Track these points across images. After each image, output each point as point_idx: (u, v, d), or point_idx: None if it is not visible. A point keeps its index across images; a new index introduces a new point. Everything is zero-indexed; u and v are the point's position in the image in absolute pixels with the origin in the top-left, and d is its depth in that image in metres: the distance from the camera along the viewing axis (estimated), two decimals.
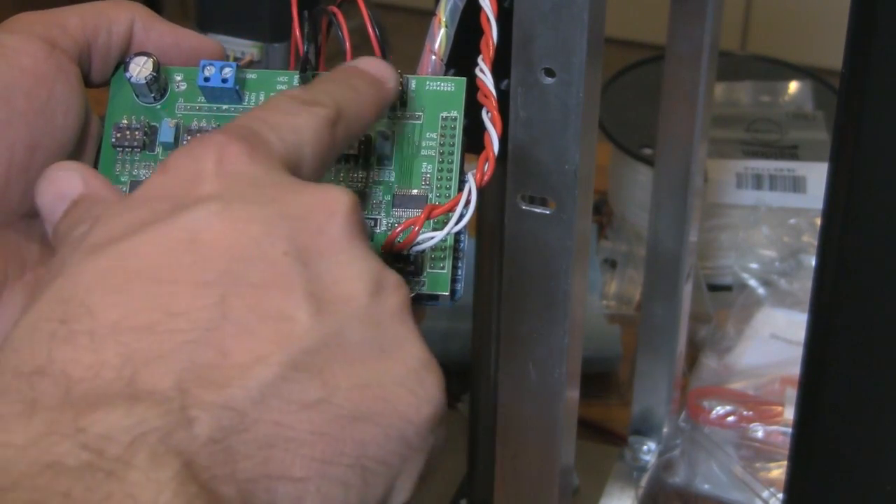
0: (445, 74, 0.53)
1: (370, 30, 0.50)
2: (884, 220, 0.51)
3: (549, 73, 0.53)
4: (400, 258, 0.48)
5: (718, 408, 0.92)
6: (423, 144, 0.51)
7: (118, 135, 0.52)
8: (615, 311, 1.04)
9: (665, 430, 0.89)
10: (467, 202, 0.47)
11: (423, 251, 0.48)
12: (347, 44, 0.50)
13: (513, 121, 0.56)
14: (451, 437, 1.02)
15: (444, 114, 0.51)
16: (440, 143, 0.51)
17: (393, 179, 0.51)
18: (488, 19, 0.49)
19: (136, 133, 0.51)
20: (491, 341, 0.82)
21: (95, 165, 0.52)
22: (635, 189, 1.05)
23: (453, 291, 0.50)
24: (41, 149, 0.48)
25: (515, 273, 0.59)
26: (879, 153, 0.50)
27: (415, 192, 0.50)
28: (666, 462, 0.89)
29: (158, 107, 0.52)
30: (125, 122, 0.52)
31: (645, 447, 0.90)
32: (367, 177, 0.51)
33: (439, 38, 0.52)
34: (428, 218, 0.47)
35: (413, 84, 0.51)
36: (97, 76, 0.52)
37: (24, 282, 0.48)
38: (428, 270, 0.50)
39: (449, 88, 0.51)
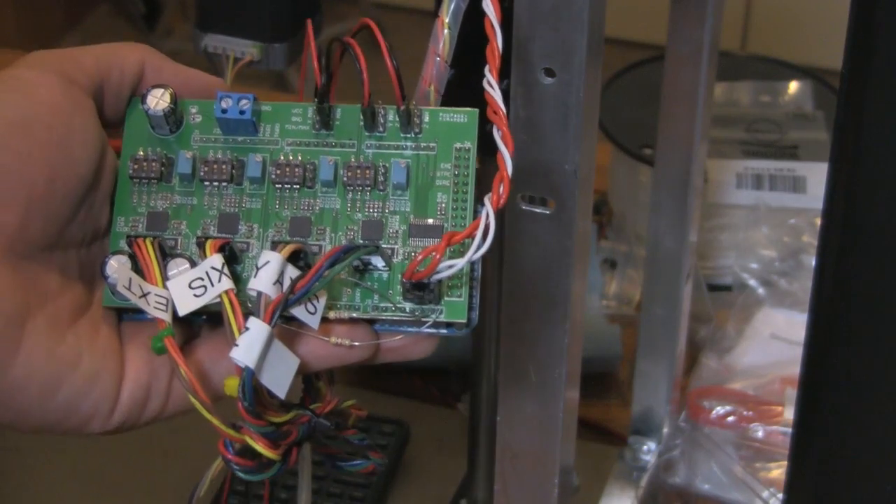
0: (449, 76, 0.53)
1: (388, 62, 0.50)
2: (884, 220, 0.51)
3: (549, 73, 0.53)
4: (420, 286, 0.49)
5: (718, 408, 0.92)
6: (438, 175, 0.51)
7: (135, 166, 0.52)
8: (615, 311, 1.04)
9: (665, 430, 0.89)
10: (486, 227, 0.47)
11: (443, 279, 0.48)
12: (364, 75, 0.50)
13: (513, 121, 0.55)
14: (451, 437, 1.02)
15: (458, 145, 0.51)
16: (454, 174, 0.51)
17: (409, 209, 0.51)
18: (493, 26, 0.49)
19: (153, 164, 0.52)
20: (491, 341, 0.82)
21: (112, 197, 0.52)
22: (635, 189, 1.05)
23: (469, 319, 0.50)
24: (60, 181, 0.49)
25: (515, 273, 0.59)
26: (879, 153, 0.50)
27: (430, 221, 0.51)
28: (666, 462, 0.89)
29: (172, 139, 0.52)
30: (141, 153, 0.52)
31: (645, 447, 0.90)
32: (384, 206, 0.51)
33: (443, 39, 0.53)
34: (448, 245, 0.47)
35: (426, 116, 0.51)
36: (109, 114, 0.52)
37: (45, 313, 0.48)
38: (445, 299, 0.50)
39: (462, 120, 0.52)
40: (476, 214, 0.50)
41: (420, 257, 0.48)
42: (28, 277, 0.48)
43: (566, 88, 0.53)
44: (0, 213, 0.47)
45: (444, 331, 0.51)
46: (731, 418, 0.91)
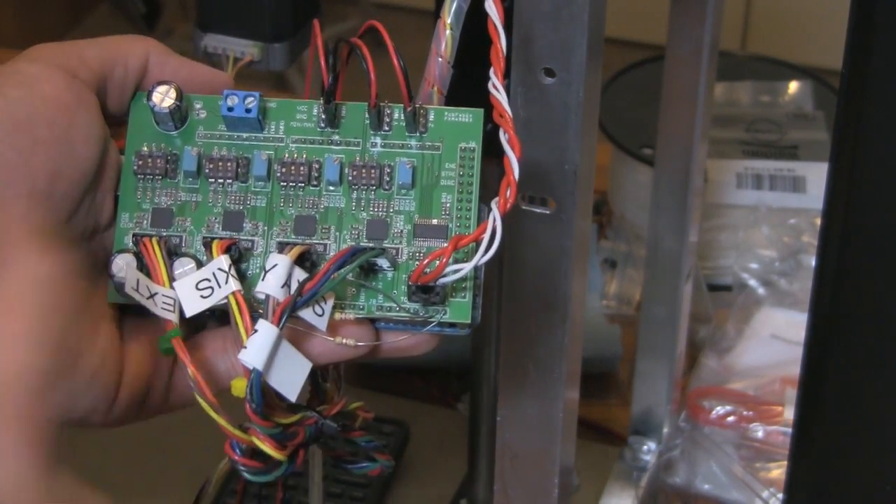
0: (452, 76, 0.53)
1: (396, 63, 0.50)
2: (884, 220, 0.51)
3: (549, 73, 0.53)
4: (426, 289, 0.49)
5: (718, 408, 0.92)
6: (443, 175, 0.51)
7: (140, 162, 0.51)
8: (615, 311, 1.04)
9: (665, 430, 0.89)
10: (493, 231, 0.47)
11: (449, 283, 0.49)
12: (372, 75, 0.50)
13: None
14: (451, 437, 1.02)
15: (463, 144, 0.51)
16: (459, 174, 0.51)
17: (413, 209, 0.51)
18: (496, 27, 0.49)
19: (158, 161, 0.51)
20: (491, 341, 0.82)
21: (116, 192, 0.52)
22: (635, 189, 1.05)
23: (472, 319, 0.50)
24: (62, 177, 0.49)
25: (515, 273, 0.59)
26: (879, 153, 0.50)
27: (435, 221, 0.51)
28: (666, 462, 0.89)
29: (176, 135, 0.52)
30: (146, 149, 0.52)
31: (645, 447, 0.90)
32: (388, 206, 0.51)
33: (445, 40, 0.52)
34: (454, 249, 0.47)
35: (432, 115, 0.51)
36: (113, 108, 0.52)
37: None
38: (449, 299, 0.50)
39: (467, 120, 0.51)
40: (480, 215, 0.50)
41: (427, 261, 0.48)
42: None
43: (566, 88, 0.53)
44: (1, 210, 0.47)
45: (447, 330, 0.51)
46: (731, 418, 0.91)
